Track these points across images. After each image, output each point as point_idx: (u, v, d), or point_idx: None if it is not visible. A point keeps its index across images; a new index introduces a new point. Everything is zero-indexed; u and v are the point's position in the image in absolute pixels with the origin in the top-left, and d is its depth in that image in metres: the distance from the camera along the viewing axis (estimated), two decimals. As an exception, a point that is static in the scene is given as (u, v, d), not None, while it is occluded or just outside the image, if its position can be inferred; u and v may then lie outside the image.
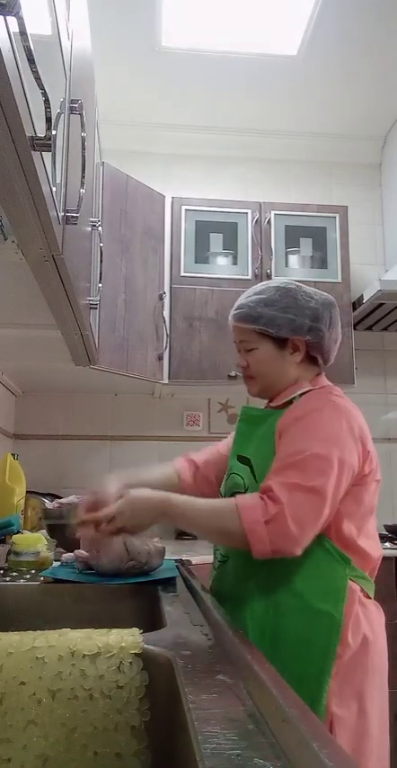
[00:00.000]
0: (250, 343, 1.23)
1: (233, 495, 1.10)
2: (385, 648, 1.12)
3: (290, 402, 1.19)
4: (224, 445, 1.40)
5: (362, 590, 1.09)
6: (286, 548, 1.01)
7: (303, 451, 1.06)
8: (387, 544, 2.33)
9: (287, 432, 1.11)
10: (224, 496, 1.23)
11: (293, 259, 2.77)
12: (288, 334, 1.19)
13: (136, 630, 0.75)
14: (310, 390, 1.19)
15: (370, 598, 1.13)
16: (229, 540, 1.08)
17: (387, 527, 2.64)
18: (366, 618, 1.08)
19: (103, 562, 1.24)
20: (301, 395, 1.18)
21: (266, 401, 1.29)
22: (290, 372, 1.22)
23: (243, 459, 1.21)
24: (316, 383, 1.22)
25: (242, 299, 1.25)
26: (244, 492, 1.14)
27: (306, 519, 1.01)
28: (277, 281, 1.25)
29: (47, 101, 0.75)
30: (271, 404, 1.26)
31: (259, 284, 1.27)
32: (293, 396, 1.20)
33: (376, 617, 1.12)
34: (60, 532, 1.53)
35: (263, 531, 1.00)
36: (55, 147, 0.88)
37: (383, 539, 2.50)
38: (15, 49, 0.63)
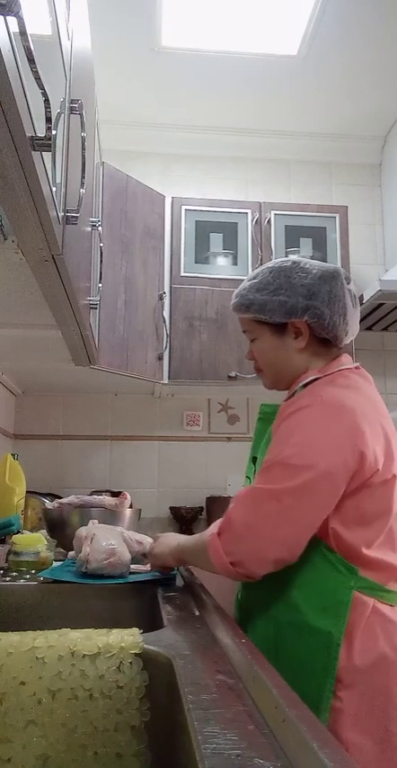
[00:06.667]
0: (251, 333, 1.16)
1: None
2: None
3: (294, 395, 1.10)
4: None
5: (380, 602, 0.97)
6: (242, 556, 0.93)
7: (273, 458, 0.99)
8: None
9: (275, 432, 1.05)
10: None
11: (293, 259, 2.76)
12: (283, 318, 1.09)
13: (136, 630, 0.75)
14: (315, 380, 1.08)
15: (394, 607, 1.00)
16: (209, 566, 0.99)
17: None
18: (386, 632, 0.96)
19: (92, 567, 1.21)
20: (304, 386, 1.08)
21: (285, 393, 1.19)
22: (295, 360, 1.11)
23: (254, 459, 1.16)
24: (327, 369, 1.09)
25: (239, 287, 1.19)
26: None
27: (258, 524, 0.93)
28: (277, 260, 1.16)
29: (47, 101, 0.75)
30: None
31: (258, 267, 1.20)
32: (297, 388, 1.10)
33: None
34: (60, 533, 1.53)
35: (217, 541, 0.95)
36: (55, 147, 0.88)
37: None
38: (15, 49, 0.63)
